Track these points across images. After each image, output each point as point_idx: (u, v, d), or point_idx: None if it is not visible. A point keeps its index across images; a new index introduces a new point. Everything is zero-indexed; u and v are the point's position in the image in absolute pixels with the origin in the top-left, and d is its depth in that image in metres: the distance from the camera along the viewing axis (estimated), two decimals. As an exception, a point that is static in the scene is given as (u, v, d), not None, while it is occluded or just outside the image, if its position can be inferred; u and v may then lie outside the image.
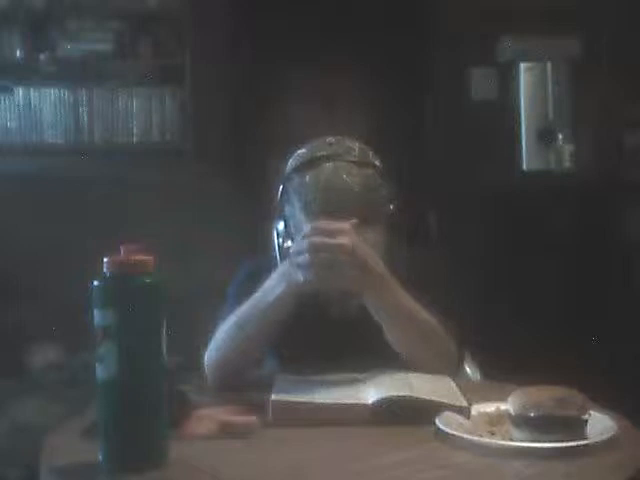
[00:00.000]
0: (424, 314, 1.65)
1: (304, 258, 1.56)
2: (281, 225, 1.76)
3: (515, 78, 4.15)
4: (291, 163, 1.79)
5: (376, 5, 3.95)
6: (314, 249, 1.55)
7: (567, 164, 4.13)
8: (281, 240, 1.74)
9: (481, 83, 4.14)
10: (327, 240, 1.56)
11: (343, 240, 1.56)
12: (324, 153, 1.73)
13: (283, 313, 1.63)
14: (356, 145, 1.77)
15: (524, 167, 4.15)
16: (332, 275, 1.56)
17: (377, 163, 1.77)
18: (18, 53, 3.86)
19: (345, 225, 1.58)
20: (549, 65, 4.15)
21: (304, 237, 1.58)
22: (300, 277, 1.57)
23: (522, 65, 4.14)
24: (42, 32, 3.87)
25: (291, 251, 1.61)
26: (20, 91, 3.88)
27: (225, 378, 1.68)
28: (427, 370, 1.60)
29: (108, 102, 3.92)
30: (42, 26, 3.87)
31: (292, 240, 1.70)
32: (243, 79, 3.91)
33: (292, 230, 1.73)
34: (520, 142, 4.14)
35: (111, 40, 3.88)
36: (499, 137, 4.07)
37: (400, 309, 1.63)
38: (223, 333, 1.70)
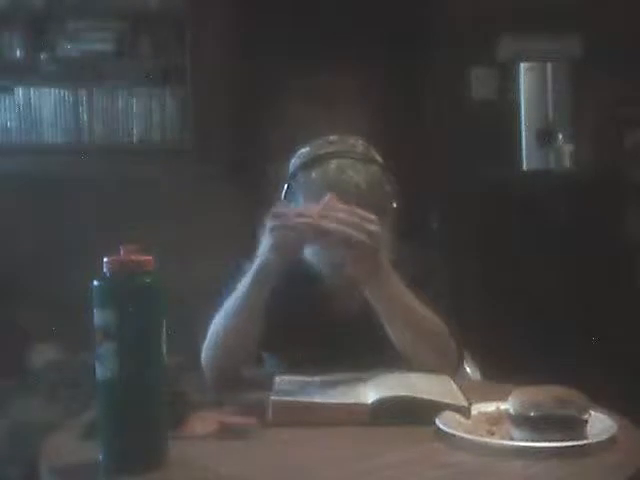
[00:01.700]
0: (425, 311, 1.66)
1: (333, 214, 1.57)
2: None
3: (515, 78, 4.15)
4: (294, 162, 1.79)
5: (376, 5, 3.95)
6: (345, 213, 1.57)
7: (567, 164, 4.13)
8: None
9: (481, 83, 4.14)
10: (362, 223, 1.57)
11: (373, 228, 1.57)
12: (328, 151, 1.75)
13: (261, 290, 1.64)
14: (358, 142, 1.79)
15: (524, 167, 4.14)
16: (347, 253, 1.57)
17: (380, 160, 1.78)
18: (18, 53, 3.86)
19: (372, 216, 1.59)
20: (549, 65, 4.15)
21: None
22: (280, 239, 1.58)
23: (522, 65, 4.14)
24: (42, 32, 3.87)
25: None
26: (20, 91, 3.88)
27: (222, 371, 1.68)
28: (427, 367, 1.61)
29: (108, 102, 3.92)
30: (42, 26, 3.87)
31: None
32: (243, 79, 3.91)
33: None
34: (520, 142, 4.14)
35: (111, 40, 3.88)
36: (499, 137, 4.07)
37: (401, 303, 1.64)
38: (216, 325, 1.72)
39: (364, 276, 1.62)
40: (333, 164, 1.72)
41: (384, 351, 1.65)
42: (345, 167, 1.71)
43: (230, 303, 1.69)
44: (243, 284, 1.67)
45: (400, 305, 1.64)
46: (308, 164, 1.75)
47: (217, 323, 1.71)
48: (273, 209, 1.62)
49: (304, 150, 1.80)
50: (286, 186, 1.78)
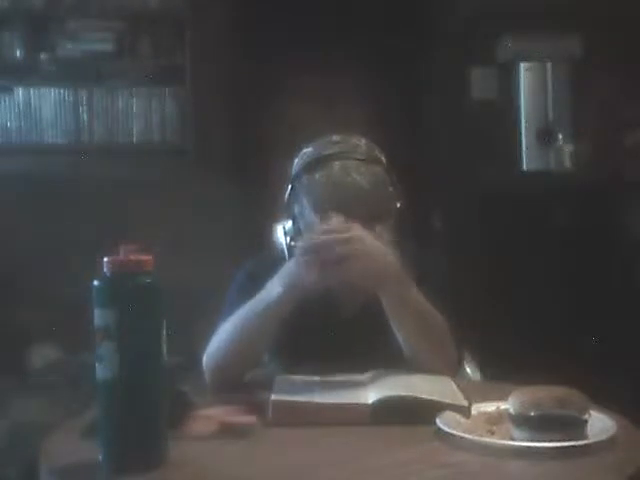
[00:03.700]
0: (433, 311, 1.65)
1: (311, 257, 1.56)
2: (289, 224, 1.75)
3: (515, 78, 4.15)
4: (298, 162, 1.79)
5: (376, 5, 3.95)
6: (322, 247, 1.56)
7: (567, 164, 4.13)
8: (289, 239, 1.74)
9: (481, 83, 4.14)
10: (338, 235, 1.56)
11: (353, 233, 1.56)
12: (331, 152, 1.74)
13: (282, 314, 1.63)
14: (362, 142, 1.78)
15: (524, 167, 4.15)
16: (343, 270, 1.56)
17: (383, 160, 1.77)
18: (18, 53, 3.86)
19: (354, 224, 1.59)
20: (549, 65, 4.15)
21: (311, 238, 1.59)
22: (308, 276, 1.56)
23: (522, 65, 4.14)
24: (42, 32, 3.87)
25: (297, 250, 1.61)
26: (20, 91, 3.88)
27: (225, 380, 1.67)
28: (428, 367, 1.61)
29: (108, 102, 3.92)
30: (42, 26, 3.87)
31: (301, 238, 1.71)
32: (243, 79, 3.91)
33: (302, 230, 1.74)
34: (520, 142, 4.14)
35: (111, 40, 3.88)
36: (499, 137, 4.07)
37: (414, 304, 1.64)
38: (223, 335, 1.70)
39: (370, 282, 1.61)
40: (337, 166, 1.71)
41: (384, 351, 1.65)
42: (349, 169, 1.71)
43: (246, 313, 1.66)
44: (265, 295, 1.64)
45: (413, 307, 1.64)
46: (312, 165, 1.74)
47: (228, 330, 1.69)
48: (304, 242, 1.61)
49: (307, 150, 1.79)
50: (290, 187, 1.78)
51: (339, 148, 1.74)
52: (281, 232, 1.76)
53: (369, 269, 1.57)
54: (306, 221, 1.73)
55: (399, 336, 1.65)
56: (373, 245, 1.58)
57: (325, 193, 1.70)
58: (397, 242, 1.74)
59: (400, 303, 1.63)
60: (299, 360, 1.68)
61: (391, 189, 1.76)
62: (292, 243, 1.72)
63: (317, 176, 1.72)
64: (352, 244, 1.55)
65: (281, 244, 1.75)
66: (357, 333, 1.69)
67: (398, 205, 1.78)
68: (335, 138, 1.78)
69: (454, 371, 1.70)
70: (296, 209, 1.76)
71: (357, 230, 1.58)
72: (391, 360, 1.64)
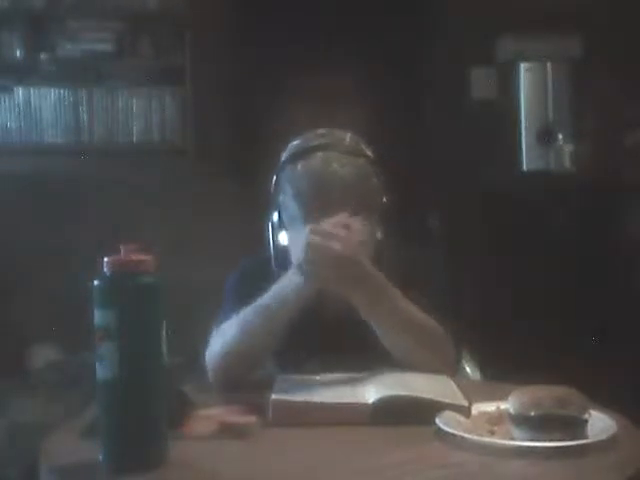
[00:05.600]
0: (420, 316, 1.65)
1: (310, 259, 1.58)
2: (275, 216, 1.76)
3: (515, 78, 4.15)
4: (284, 154, 1.80)
5: (376, 5, 3.95)
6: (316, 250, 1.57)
7: (567, 164, 4.13)
8: (275, 231, 1.74)
9: (481, 83, 4.14)
10: (338, 231, 1.58)
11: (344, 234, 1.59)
12: (315, 143, 1.75)
13: (290, 315, 1.64)
14: (347, 135, 1.78)
15: (524, 167, 4.15)
16: (334, 274, 1.57)
17: (368, 153, 1.78)
18: (18, 53, 3.86)
19: (346, 219, 1.60)
20: (549, 65, 4.16)
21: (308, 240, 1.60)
22: (311, 280, 1.59)
23: (522, 65, 4.14)
24: (42, 32, 3.86)
25: (301, 256, 1.62)
26: (20, 91, 3.87)
27: (227, 380, 1.67)
28: (424, 371, 1.60)
29: (108, 102, 3.92)
30: (42, 26, 3.86)
31: (285, 229, 1.72)
32: (243, 79, 3.91)
33: (285, 220, 1.74)
34: (520, 142, 4.14)
35: (111, 40, 3.87)
36: (499, 137, 4.07)
37: (394, 313, 1.64)
38: (227, 336, 1.69)
39: (340, 289, 1.63)
40: (319, 157, 1.72)
41: (382, 351, 1.65)
42: (331, 160, 1.71)
43: (254, 316, 1.67)
44: (272, 297, 1.65)
45: (393, 316, 1.64)
46: (295, 156, 1.75)
47: (232, 333, 1.68)
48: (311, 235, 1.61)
49: (294, 142, 1.80)
50: (275, 177, 1.79)
51: (324, 140, 1.75)
52: (269, 224, 1.76)
53: (337, 277, 1.59)
54: (288, 212, 1.73)
55: (385, 344, 1.66)
56: (346, 252, 1.59)
57: (306, 183, 1.70)
58: (382, 240, 1.73)
59: (372, 311, 1.64)
60: (297, 361, 1.68)
61: (374, 182, 1.75)
62: (277, 234, 1.73)
63: (299, 167, 1.73)
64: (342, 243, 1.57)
65: (267, 236, 1.76)
66: (353, 333, 1.69)
67: (384, 199, 1.77)
68: (321, 131, 1.79)
69: (452, 371, 1.70)
70: (280, 200, 1.76)
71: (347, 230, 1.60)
72: (381, 359, 1.64)
